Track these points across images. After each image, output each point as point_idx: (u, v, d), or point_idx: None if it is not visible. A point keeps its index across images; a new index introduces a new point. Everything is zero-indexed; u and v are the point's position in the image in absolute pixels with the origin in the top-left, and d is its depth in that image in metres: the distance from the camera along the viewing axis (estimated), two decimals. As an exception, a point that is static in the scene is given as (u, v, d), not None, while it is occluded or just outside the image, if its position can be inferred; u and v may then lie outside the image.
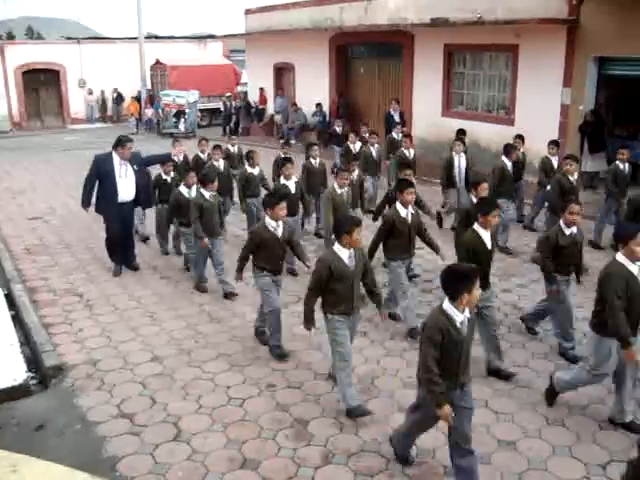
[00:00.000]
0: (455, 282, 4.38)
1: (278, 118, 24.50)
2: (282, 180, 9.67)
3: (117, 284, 9.27)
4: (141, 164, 9.78)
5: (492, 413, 5.85)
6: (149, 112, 28.73)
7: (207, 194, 8.75)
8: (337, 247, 5.72)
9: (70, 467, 4.74)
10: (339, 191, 8.97)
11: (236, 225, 11.92)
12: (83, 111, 32.30)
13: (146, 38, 30.80)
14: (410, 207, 7.40)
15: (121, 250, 9.81)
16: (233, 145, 13.59)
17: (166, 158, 10.63)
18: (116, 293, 8.92)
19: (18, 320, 7.95)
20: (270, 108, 25.61)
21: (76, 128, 30.72)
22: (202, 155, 12.50)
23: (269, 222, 6.87)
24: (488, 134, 16.35)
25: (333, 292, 5.69)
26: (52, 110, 31.98)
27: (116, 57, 31.57)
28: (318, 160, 11.40)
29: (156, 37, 36.47)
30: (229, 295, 8.71)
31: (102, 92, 32.31)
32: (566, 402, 5.99)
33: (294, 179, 9.75)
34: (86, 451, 5.35)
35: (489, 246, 6.31)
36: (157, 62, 30.84)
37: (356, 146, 13.63)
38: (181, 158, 11.84)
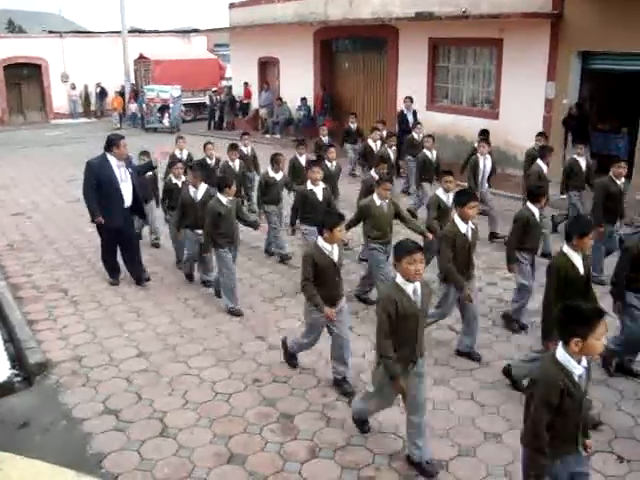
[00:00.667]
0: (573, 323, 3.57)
1: (263, 112, 24.45)
2: (309, 185, 8.59)
3: (102, 280, 9.20)
4: (134, 168, 8.98)
5: (478, 406, 5.88)
6: (133, 107, 28.54)
7: (224, 199, 7.79)
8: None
9: (55, 464, 4.72)
10: (378, 202, 7.62)
11: (248, 234, 10.45)
12: (66, 106, 32.00)
13: (130, 32, 30.60)
14: (471, 222, 6.52)
15: (129, 262, 9.02)
16: (246, 145, 12.51)
17: (148, 167, 9.54)
18: (101, 289, 8.87)
19: (1, 317, 7.89)
20: (255, 102, 25.55)
21: (59, 123, 30.47)
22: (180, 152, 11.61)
23: (323, 245, 5.87)
24: (472, 128, 16.36)
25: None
26: (34, 105, 31.66)
27: (99, 51, 31.30)
28: (335, 163, 10.44)
29: (140, 31, 36.18)
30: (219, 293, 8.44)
31: (85, 87, 32.04)
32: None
33: (322, 185, 8.64)
34: (71, 448, 5.31)
35: (582, 271, 5.53)
36: (141, 56, 30.63)
37: (377, 144, 13.00)
38: (184, 156, 11.41)
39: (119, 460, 5.15)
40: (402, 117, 16.28)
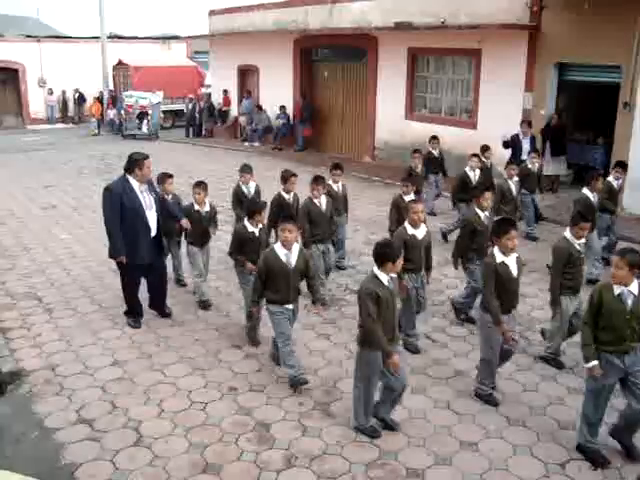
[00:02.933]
0: None
1: (243, 120, 24.41)
2: (409, 230, 6.95)
3: (78, 288, 9.11)
4: (156, 192, 7.83)
5: (454, 414, 5.90)
6: (111, 113, 28.35)
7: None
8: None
9: (27, 475, 4.64)
10: (499, 258, 5.88)
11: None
12: (43, 111, 31.73)
13: (109, 38, 30.39)
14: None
15: (153, 295, 8.04)
16: (336, 182, 9.53)
17: (178, 218, 8.07)
18: (76, 297, 8.77)
19: (-26, 324, 7.77)
20: (234, 110, 25.51)
21: (36, 128, 30.16)
22: (245, 188, 9.53)
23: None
24: (451, 137, 16.49)
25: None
26: (11, 110, 31.32)
27: (78, 56, 31.09)
28: (411, 196, 8.62)
29: (119, 37, 35.98)
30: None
31: (63, 92, 31.76)
32: (527, 402, 6.07)
33: (424, 227, 7.11)
34: (44, 458, 5.24)
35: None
36: (120, 62, 30.48)
37: (476, 174, 11.04)
38: (252, 191, 9.48)
39: (93, 470, 5.09)
40: (515, 143, 13.61)
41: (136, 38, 36.40)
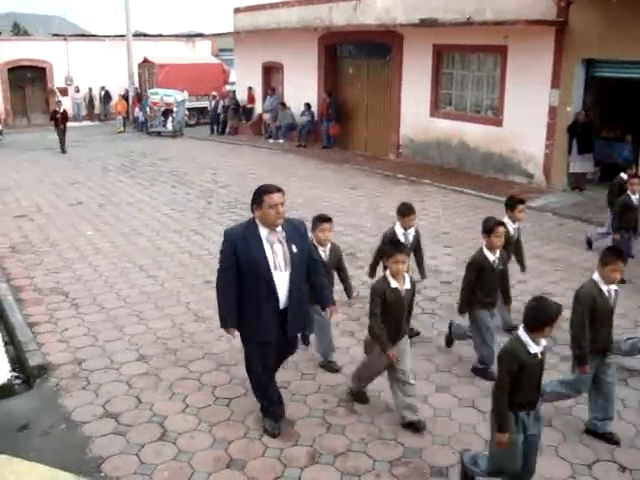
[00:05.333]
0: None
1: (267, 117, 24.46)
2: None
3: (104, 283, 9.19)
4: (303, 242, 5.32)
5: (479, 413, 5.85)
6: (137, 110, 28.59)
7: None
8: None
9: (54, 467, 4.71)
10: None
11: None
12: (70, 109, 32.08)
13: (134, 36, 30.65)
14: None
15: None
16: (518, 219, 7.42)
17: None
18: (102, 292, 8.84)
19: (2, 319, 7.89)
20: (258, 107, 25.57)
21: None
22: (402, 234, 7.11)
23: None
24: (476, 135, 16.41)
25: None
26: (38, 108, 31.76)
27: (104, 55, 31.44)
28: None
29: (144, 35, 36.30)
30: None
31: (89, 90, 32.12)
32: (552, 403, 6.00)
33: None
34: (71, 451, 5.29)
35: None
36: (145, 60, 30.73)
37: (638, 197, 9.38)
38: (410, 238, 7.12)
39: (118, 464, 5.13)
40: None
41: (161, 36, 36.70)
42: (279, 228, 5.04)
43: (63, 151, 21.96)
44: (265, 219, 4.99)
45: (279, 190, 5.00)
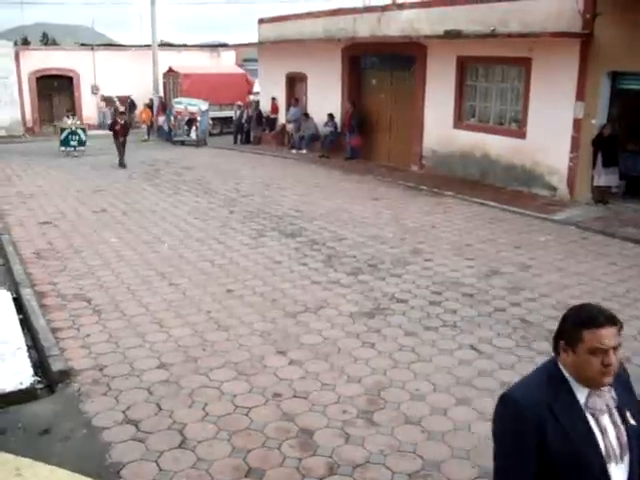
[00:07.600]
0: None
1: (290, 127, 24.57)
2: None
3: (126, 290, 9.26)
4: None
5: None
6: (161, 120, 28.87)
7: None
8: None
9: (74, 472, 4.75)
10: None
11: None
12: (95, 117, 32.48)
13: (159, 46, 31.01)
14: None
15: None
16: None
17: None
18: (125, 299, 8.91)
19: (26, 324, 7.96)
20: (282, 117, 25.70)
21: (89, 134, 30.81)
22: None
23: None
24: (499, 147, 16.33)
25: None
26: (65, 116, 32.16)
27: (129, 64, 31.81)
28: None
29: (169, 45, 36.72)
30: None
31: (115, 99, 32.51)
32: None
33: None
34: (91, 456, 5.33)
35: None
36: (170, 70, 31.03)
37: None
38: None
39: (138, 470, 5.15)
40: None
41: (186, 46, 37.07)
42: (606, 387, 2.71)
43: (121, 165, 20.28)
44: (582, 373, 2.67)
45: (612, 321, 2.62)
